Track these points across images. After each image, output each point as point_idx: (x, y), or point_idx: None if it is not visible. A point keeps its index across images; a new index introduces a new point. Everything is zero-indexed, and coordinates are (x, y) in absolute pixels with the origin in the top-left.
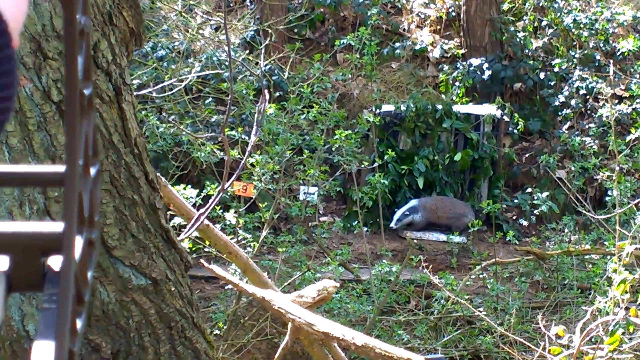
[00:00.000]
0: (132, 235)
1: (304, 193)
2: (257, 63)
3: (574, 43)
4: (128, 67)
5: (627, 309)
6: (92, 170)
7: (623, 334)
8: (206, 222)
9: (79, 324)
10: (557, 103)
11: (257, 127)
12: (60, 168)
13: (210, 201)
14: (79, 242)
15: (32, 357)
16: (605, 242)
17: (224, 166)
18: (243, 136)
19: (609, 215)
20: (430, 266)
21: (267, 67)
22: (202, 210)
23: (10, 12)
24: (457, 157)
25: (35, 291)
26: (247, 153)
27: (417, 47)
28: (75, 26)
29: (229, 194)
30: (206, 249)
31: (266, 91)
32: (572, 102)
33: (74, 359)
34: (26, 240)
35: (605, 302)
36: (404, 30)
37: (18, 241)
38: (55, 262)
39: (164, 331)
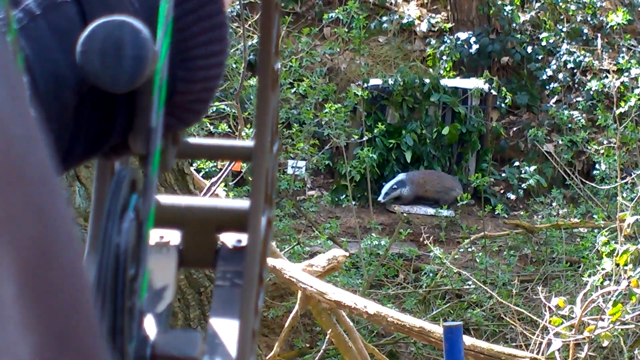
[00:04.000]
0: None
1: (292, 167)
2: (248, 36)
3: (562, 17)
4: None
5: (628, 279)
6: (275, 147)
7: (623, 304)
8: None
9: (259, 303)
10: (544, 77)
11: None
12: (248, 143)
13: (221, 172)
14: (262, 221)
15: (215, 332)
16: (595, 216)
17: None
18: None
19: (607, 187)
20: (421, 238)
21: (255, 40)
22: (213, 180)
23: None
24: (445, 131)
25: (206, 268)
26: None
27: (404, 21)
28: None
29: (217, 167)
30: None
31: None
32: (560, 75)
33: (255, 338)
34: (201, 215)
35: (607, 273)
36: (390, 4)
37: (192, 216)
38: (228, 239)
39: (194, 296)
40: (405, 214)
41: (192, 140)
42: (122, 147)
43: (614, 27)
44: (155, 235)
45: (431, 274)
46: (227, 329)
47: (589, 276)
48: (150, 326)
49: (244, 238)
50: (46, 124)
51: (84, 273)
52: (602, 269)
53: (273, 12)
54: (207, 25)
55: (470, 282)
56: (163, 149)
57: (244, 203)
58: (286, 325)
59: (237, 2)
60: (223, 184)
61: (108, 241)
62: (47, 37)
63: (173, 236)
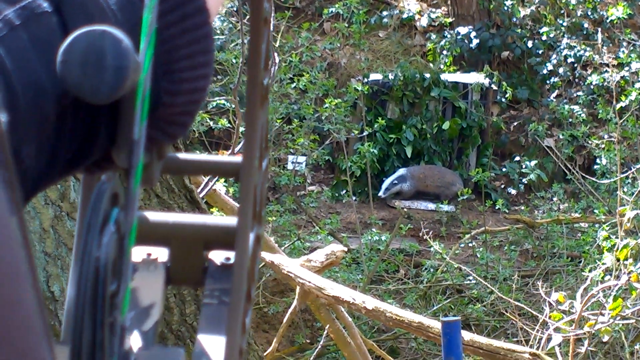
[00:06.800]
0: (157, 195)
1: (293, 162)
2: (248, 31)
3: (562, 11)
4: None
5: (628, 273)
6: (264, 164)
7: (624, 299)
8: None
9: (247, 321)
10: (545, 71)
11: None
12: (236, 159)
13: None
14: (250, 238)
15: (202, 350)
16: (595, 210)
17: (213, 135)
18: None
19: (608, 181)
20: (421, 233)
21: None
22: (210, 175)
23: None
24: (445, 125)
25: (194, 286)
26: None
27: (405, 15)
28: (261, 13)
29: None
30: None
31: (275, 54)
32: (560, 70)
33: (242, 356)
34: (189, 232)
35: (607, 267)
36: None
37: (180, 233)
38: (217, 256)
39: (189, 292)
40: (405, 209)
41: (179, 155)
42: (106, 162)
43: (614, 22)
44: (142, 252)
45: (432, 270)
46: (214, 347)
47: (590, 271)
48: (136, 343)
49: (232, 255)
50: (26, 135)
51: (25, 271)
52: (603, 263)
53: (262, 27)
54: (193, 37)
55: (470, 278)
56: (148, 163)
57: (232, 220)
58: (284, 320)
59: None
60: (223, 179)
61: (88, 255)
62: (27, 47)
63: (161, 253)
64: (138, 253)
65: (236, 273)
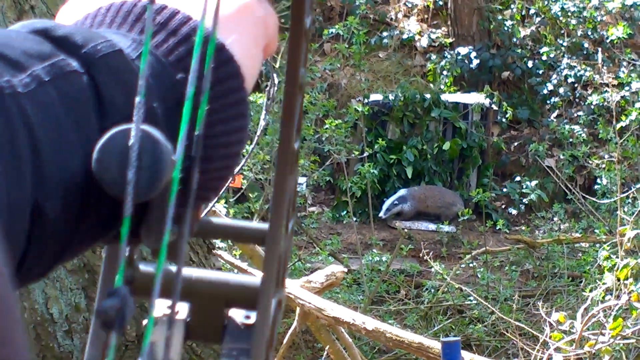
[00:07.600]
0: None
1: None
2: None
3: (562, 31)
4: None
5: (629, 293)
6: (289, 226)
7: (624, 319)
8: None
9: None
10: (545, 91)
11: (265, 113)
12: (263, 226)
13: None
14: (272, 304)
15: None
16: (596, 230)
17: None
18: None
19: (608, 201)
20: (422, 254)
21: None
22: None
23: (242, 55)
24: (446, 146)
25: (213, 343)
26: (255, 139)
27: (405, 36)
28: (297, 80)
29: None
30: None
31: (275, 75)
32: (561, 90)
33: None
34: (211, 289)
35: (608, 287)
36: (391, 19)
37: (202, 290)
38: (237, 315)
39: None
40: (406, 230)
41: (206, 219)
42: (134, 236)
43: (615, 41)
44: (162, 306)
45: (432, 290)
46: None
47: (590, 291)
48: None
49: (252, 314)
50: (51, 191)
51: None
52: (603, 283)
53: (297, 92)
54: (227, 102)
55: (471, 298)
56: (175, 239)
57: (254, 279)
58: (284, 341)
59: None
60: (223, 201)
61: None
62: (55, 103)
63: (181, 309)
64: (158, 307)
65: (257, 338)
